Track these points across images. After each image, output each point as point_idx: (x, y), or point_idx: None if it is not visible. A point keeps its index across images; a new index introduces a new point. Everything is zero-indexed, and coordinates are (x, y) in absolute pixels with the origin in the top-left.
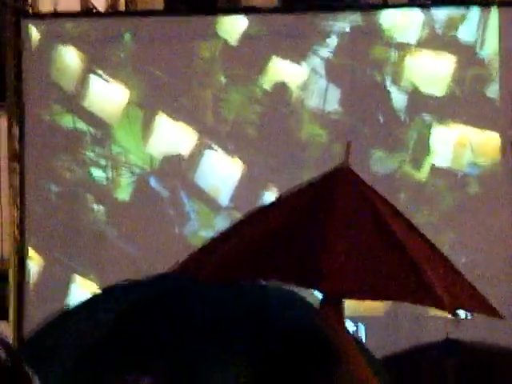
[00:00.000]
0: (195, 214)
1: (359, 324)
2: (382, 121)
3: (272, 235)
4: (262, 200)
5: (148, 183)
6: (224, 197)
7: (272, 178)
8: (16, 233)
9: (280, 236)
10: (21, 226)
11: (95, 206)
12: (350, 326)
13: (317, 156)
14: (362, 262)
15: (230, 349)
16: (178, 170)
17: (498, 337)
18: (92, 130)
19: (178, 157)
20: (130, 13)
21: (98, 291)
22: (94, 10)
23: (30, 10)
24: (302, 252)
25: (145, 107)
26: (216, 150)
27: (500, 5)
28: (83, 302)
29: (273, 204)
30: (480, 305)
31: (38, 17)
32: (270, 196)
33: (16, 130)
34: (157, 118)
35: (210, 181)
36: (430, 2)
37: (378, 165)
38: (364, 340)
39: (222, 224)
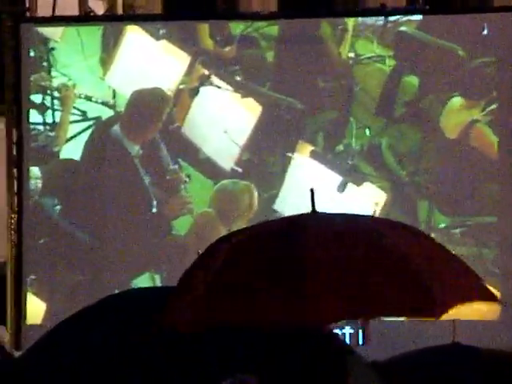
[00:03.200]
0: (184, 182)
1: (358, 328)
2: None
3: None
4: (285, 165)
5: (110, 134)
6: (227, 157)
7: (301, 127)
8: (13, 236)
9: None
10: (18, 230)
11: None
12: (348, 329)
13: (373, 93)
14: (353, 283)
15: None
16: (157, 114)
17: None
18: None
19: (158, 94)
20: (128, 16)
21: None
22: (92, 14)
23: (28, 15)
24: (286, 290)
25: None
26: (217, 85)
27: None
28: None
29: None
30: (482, 294)
31: (37, 21)
32: (298, 160)
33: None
34: (126, 32)
35: (208, 133)
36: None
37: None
38: (361, 343)
39: (223, 199)
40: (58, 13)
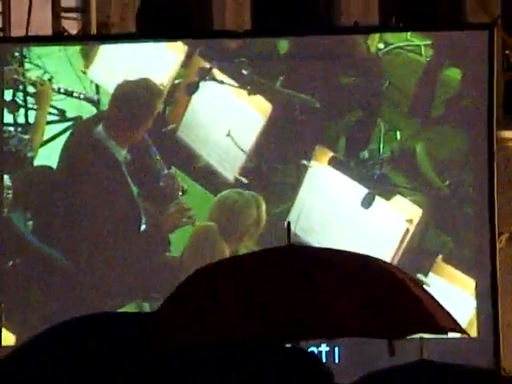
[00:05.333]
0: (178, 194)
1: (334, 346)
2: None
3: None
4: (300, 174)
5: (92, 136)
6: (231, 165)
7: (319, 130)
8: None
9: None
10: None
11: None
12: (324, 347)
13: (406, 89)
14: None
15: None
16: (147, 112)
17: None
18: None
19: (148, 87)
20: (102, 36)
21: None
22: (66, 33)
23: (2, 34)
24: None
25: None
26: (220, 80)
27: None
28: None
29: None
30: (455, 325)
31: (10, 41)
32: (315, 169)
33: None
34: None
35: (208, 136)
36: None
37: None
38: (338, 361)
39: (226, 212)
40: (31, 31)
